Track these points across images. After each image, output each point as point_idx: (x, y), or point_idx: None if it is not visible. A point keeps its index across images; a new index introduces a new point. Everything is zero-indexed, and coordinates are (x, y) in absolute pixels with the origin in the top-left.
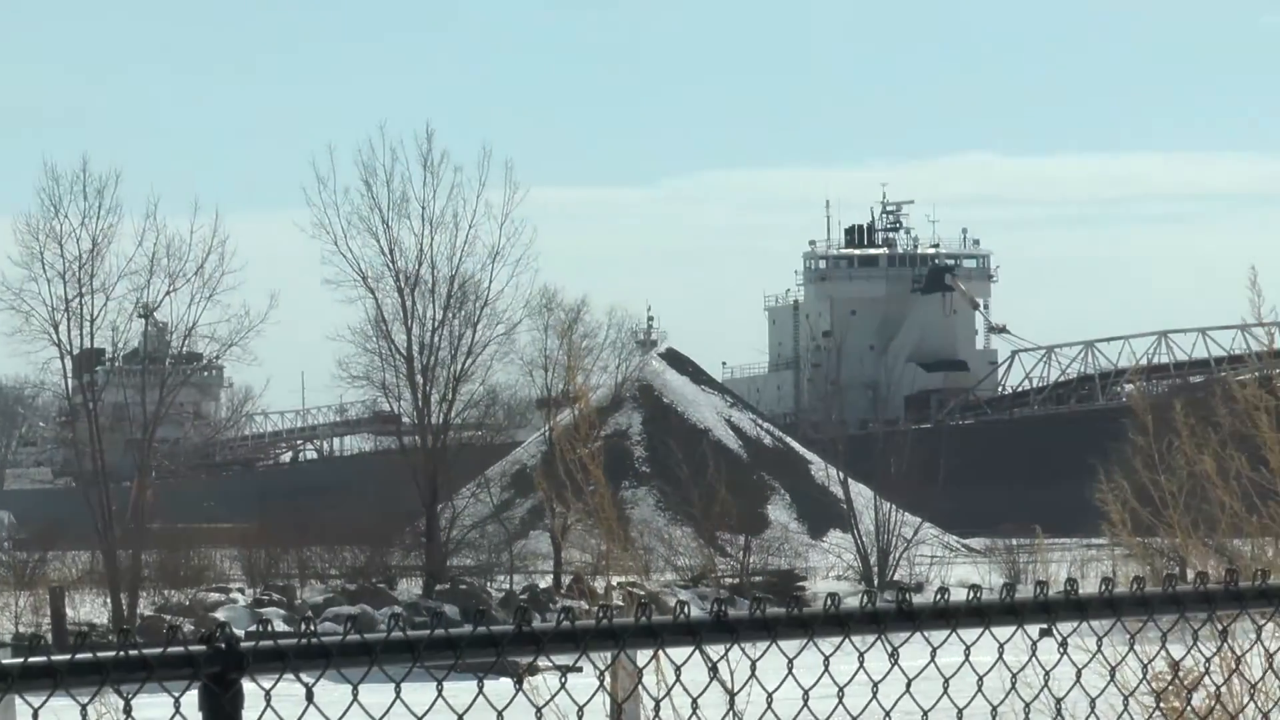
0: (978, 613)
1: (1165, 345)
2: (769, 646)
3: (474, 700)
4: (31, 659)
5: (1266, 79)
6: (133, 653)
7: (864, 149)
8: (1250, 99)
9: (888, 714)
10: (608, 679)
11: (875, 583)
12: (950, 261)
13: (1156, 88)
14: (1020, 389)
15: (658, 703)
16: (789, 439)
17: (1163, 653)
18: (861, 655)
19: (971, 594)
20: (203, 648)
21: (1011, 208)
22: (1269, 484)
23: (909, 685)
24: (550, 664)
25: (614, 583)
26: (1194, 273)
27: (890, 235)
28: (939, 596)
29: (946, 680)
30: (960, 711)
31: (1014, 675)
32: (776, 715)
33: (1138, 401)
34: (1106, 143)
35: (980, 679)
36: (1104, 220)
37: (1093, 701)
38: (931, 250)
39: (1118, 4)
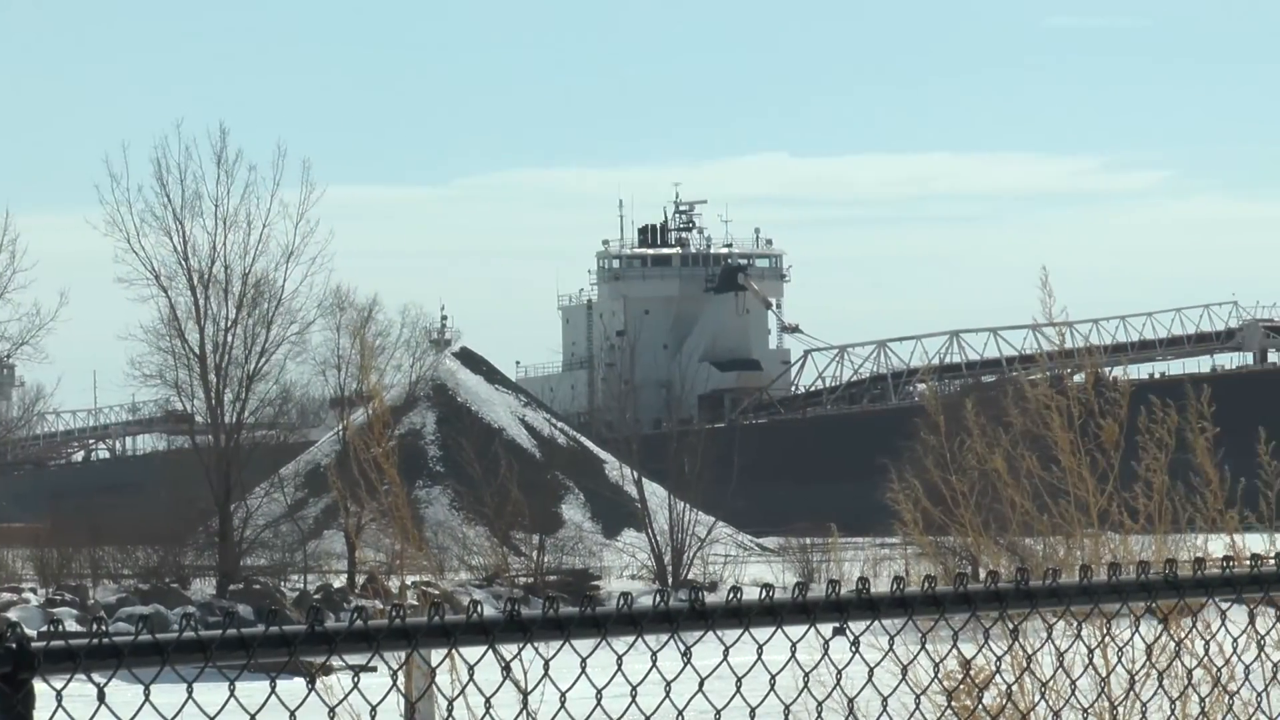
0: (770, 611)
1: (957, 345)
2: (562, 646)
3: (266, 700)
4: None
5: (1054, 80)
6: None
7: (657, 148)
8: (1038, 100)
9: (680, 713)
10: (401, 679)
11: (669, 582)
12: (743, 261)
13: (945, 88)
14: (813, 388)
15: (450, 702)
16: (583, 438)
17: (954, 651)
18: (654, 654)
19: (764, 593)
20: None
21: (804, 208)
22: (1060, 483)
23: (702, 684)
24: (344, 664)
25: (408, 582)
26: (985, 272)
27: (683, 235)
28: (732, 595)
29: (739, 679)
30: (753, 710)
31: (806, 674)
32: (570, 714)
33: (930, 401)
34: (897, 143)
35: (773, 678)
36: (895, 220)
37: (885, 700)
38: (724, 250)
39: (905, 3)
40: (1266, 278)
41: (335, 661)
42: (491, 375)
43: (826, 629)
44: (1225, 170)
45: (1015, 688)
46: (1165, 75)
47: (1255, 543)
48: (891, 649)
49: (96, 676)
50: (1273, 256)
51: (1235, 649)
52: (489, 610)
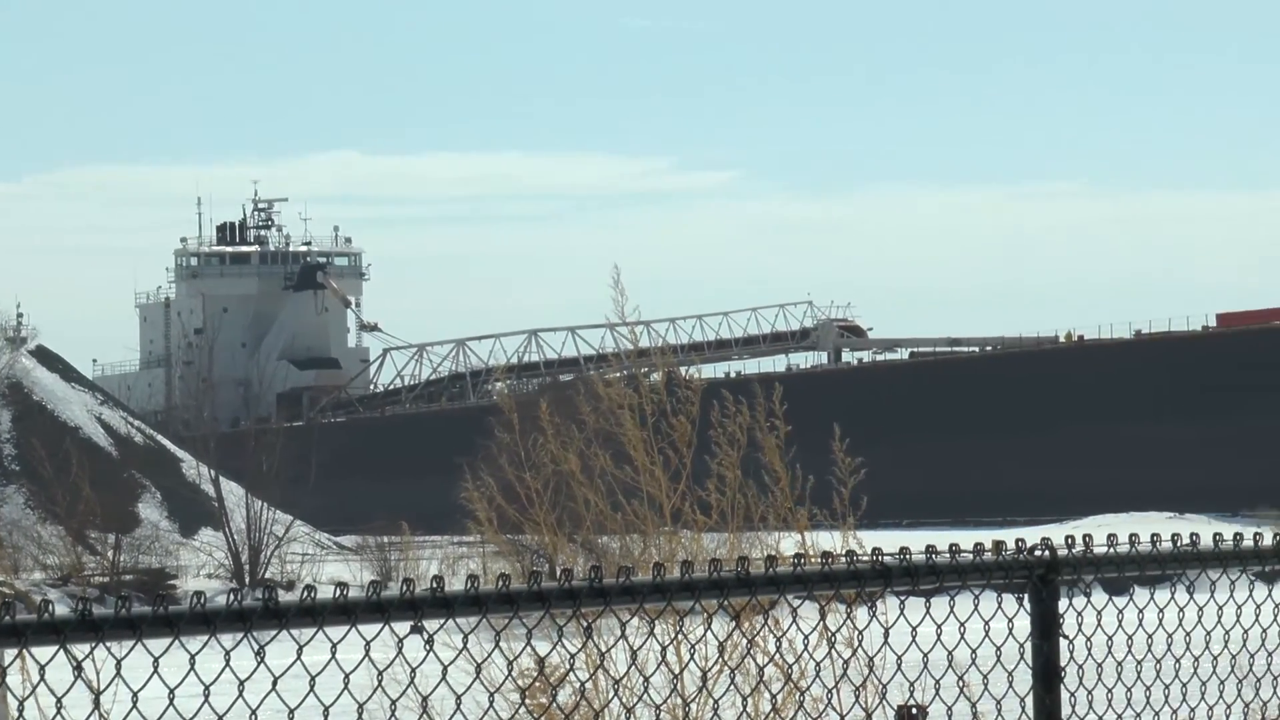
0: (345, 610)
1: (535, 344)
2: (135, 645)
3: None
4: None
5: (627, 80)
6: None
7: (235, 145)
8: (612, 99)
9: (254, 712)
10: None
11: (247, 581)
12: (322, 259)
13: (517, 87)
14: (392, 387)
15: (21, 702)
16: (160, 437)
17: (529, 649)
18: (228, 654)
19: (339, 591)
20: None
21: (382, 206)
22: (633, 481)
23: (275, 683)
24: None
25: None
26: (563, 272)
27: (262, 233)
28: (306, 594)
29: (313, 678)
30: (327, 709)
31: (380, 673)
32: (142, 715)
33: (506, 400)
34: (471, 142)
35: (347, 676)
36: (473, 219)
37: (459, 698)
38: (303, 248)
39: (479, 3)
40: (840, 278)
41: None
42: (68, 373)
43: (402, 627)
44: (793, 171)
45: (589, 685)
46: (734, 77)
47: (826, 540)
48: (465, 647)
49: None
50: (845, 257)
51: (806, 646)
52: (61, 610)
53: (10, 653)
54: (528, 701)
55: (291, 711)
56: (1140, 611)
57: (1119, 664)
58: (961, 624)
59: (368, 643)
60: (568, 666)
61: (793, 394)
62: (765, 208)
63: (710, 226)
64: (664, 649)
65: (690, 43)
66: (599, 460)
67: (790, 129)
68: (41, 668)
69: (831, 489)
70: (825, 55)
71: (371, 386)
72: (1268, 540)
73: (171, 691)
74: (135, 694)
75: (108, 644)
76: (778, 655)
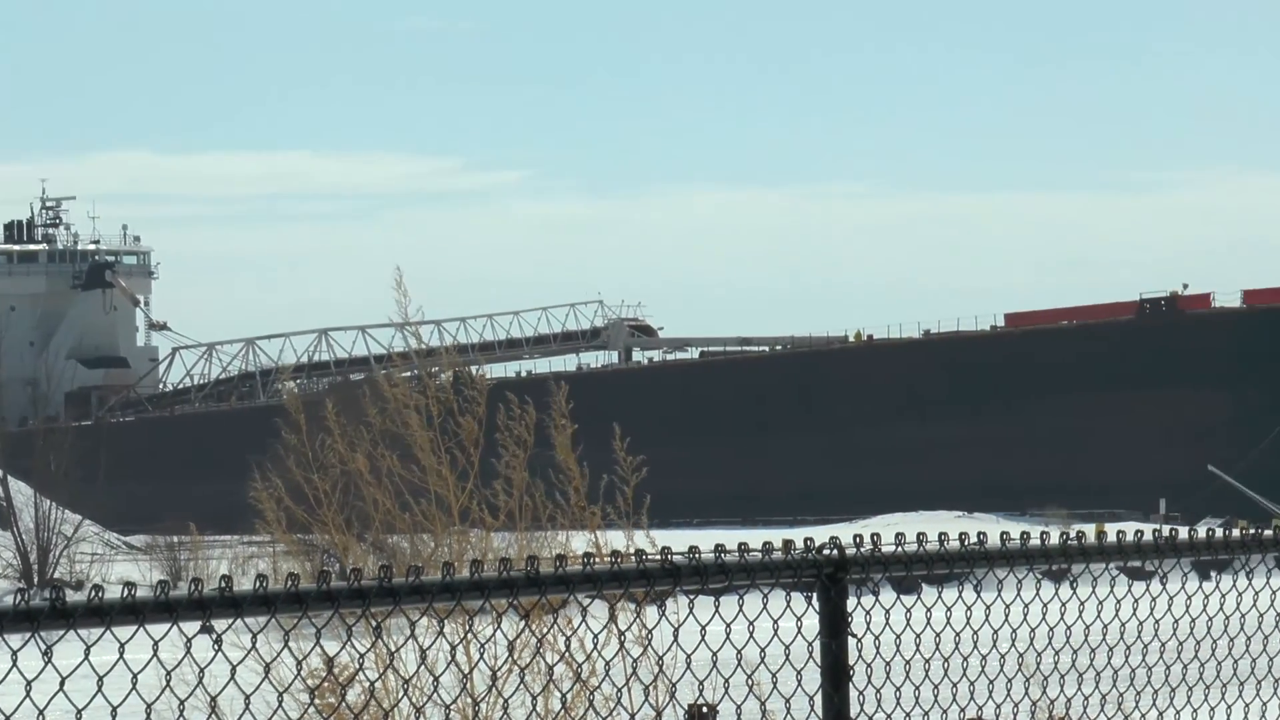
0: (133, 610)
1: (326, 343)
2: None
3: None
4: None
5: (416, 81)
6: None
7: (22, 143)
8: (400, 100)
9: (41, 713)
10: None
11: (34, 581)
12: (111, 258)
13: (293, 86)
14: (182, 386)
15: None
16: None
17: (318, 649)
18: (15, 654)
19: (127, 591)
20: None
21: (172, 205)
22: (421, 481)
23: (63, 683)
24: None
25: None
26: (353, 271)
27: (51, 231)
28: (94, 594)
29: (101, 678)
30: (114, 709)
31: (169, 673)
32: None
33: (293, 399)
34: (261, 141)
35: (134, 676)
36: (263, 218)
37: (247, 699)
38: (92, 247)
39: (265, 3)
40: (630, 278)
41: None
42: None
43: (190, 627)
44: (582, 171)
45: (379, 685)
46: (520, 78)
47: (617, 539)
48: (254, 647)
49: None
50: (635, 257)
51: (596, 645)
52: None
53: None
54: (317, 701)
55: (79, 711)
56: (928, 610)
57: (907, 662)
58: (750, 623)
59: (155, 642)
60: (357, 666)
61: (583, 393)
62: (555, 207)
63: (501, 226)
64: (454, 648)
65: (477, 44)
66: (386, 460)
67: (578, 129)
68: None
69: (616, 488)
70: (612, 56)
71: (161, 385)
72: (1054, 539)
73: None
74: None
75: None
76: (568, 654)
